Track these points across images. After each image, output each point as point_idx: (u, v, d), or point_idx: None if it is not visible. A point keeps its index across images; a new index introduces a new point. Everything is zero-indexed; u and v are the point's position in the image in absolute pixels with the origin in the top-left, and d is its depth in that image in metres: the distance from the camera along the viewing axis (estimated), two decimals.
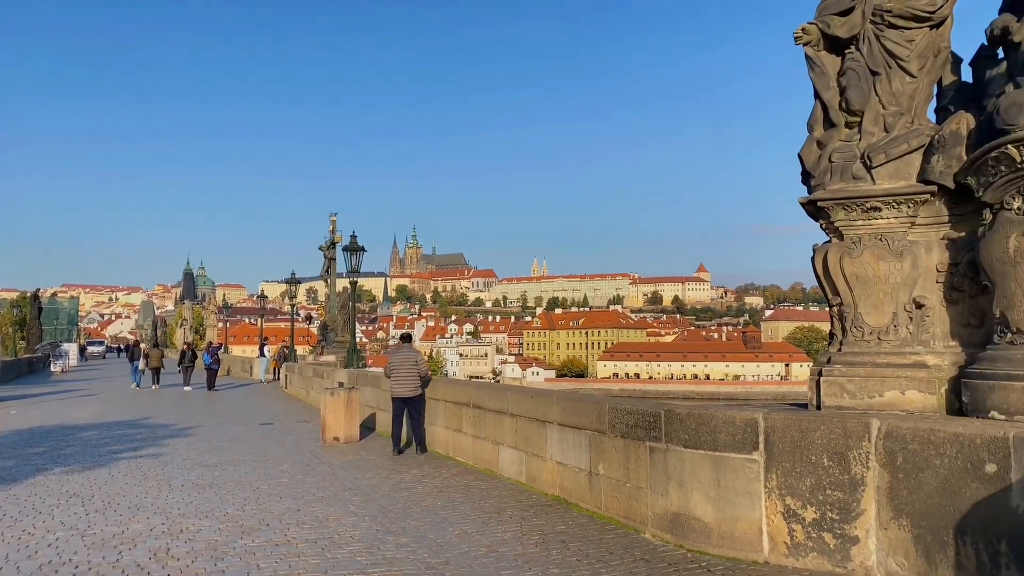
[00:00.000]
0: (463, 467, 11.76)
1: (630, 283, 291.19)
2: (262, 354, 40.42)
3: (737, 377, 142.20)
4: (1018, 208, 6.02)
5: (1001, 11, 6.85)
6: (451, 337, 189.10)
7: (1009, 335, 6.08)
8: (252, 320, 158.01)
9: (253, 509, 8.89)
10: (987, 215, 6.38)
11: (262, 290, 79.26)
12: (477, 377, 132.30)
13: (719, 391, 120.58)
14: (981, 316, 6.62)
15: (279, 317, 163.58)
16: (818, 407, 7.11)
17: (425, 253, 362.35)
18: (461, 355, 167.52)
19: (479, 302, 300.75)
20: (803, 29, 7.49)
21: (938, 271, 6.91)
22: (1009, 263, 6.02)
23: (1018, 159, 5.99)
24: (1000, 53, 6.76)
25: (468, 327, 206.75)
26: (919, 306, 6.93)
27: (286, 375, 31.40)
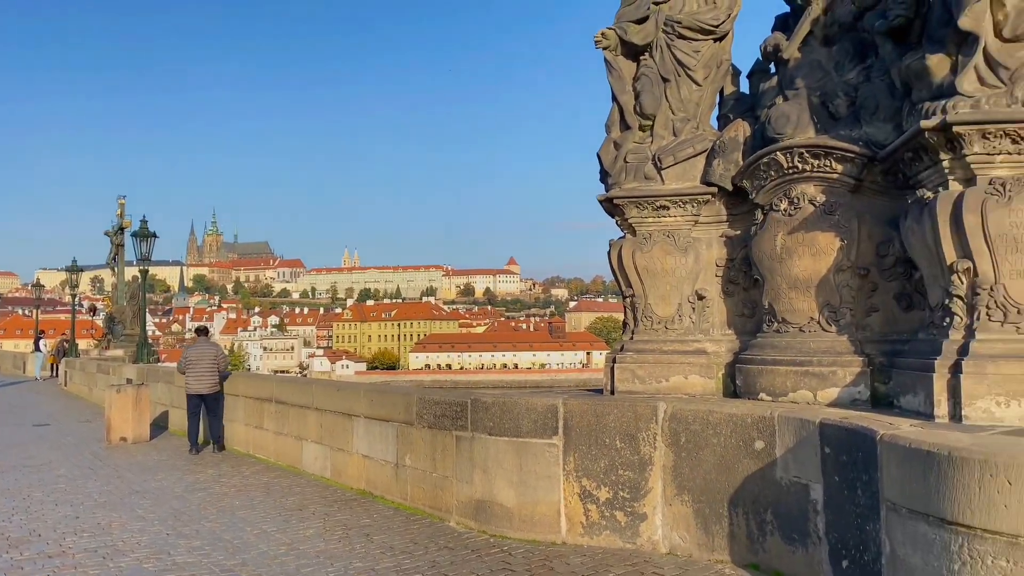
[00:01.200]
0: (264, 464, 11.31)
1: (443, 275, 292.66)
2: (38, 349, 36.61)
3: (543, 366, 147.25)
4: (785, 209, 6.68)
5: (773, 30, 7.58)
6: (254, 330, 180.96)
7: (776, 324, 6.74)
8: (27, 312, 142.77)
9: (22, 519, 8.04)
10: (759, 215, 7.02)
11: (38, 279, 71.75)
12: (282, 371, 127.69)
13: (527, 379, 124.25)
14: (753, 307, 7.28)
15: (59, 309, 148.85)
16: (612, 392, 7.51)
17: (226, 241, 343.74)
18: (265, 349, 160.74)
19: (285, 293, 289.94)
20: (603, 34, 7.85)
21: (717, 266, 7.52)
22: (776, 259, 6.67)
23: (785, 165, 6.65)
24: (772, 68, 7.46)
25: (273, 319, 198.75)
26: (701, 297, 7.51)
27: (66, 372, 28.66)
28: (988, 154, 5.08)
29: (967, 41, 5.25)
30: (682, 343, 7.46)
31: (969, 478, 3.79)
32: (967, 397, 4.87)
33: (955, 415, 4.94)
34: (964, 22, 5.15)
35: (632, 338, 7.68)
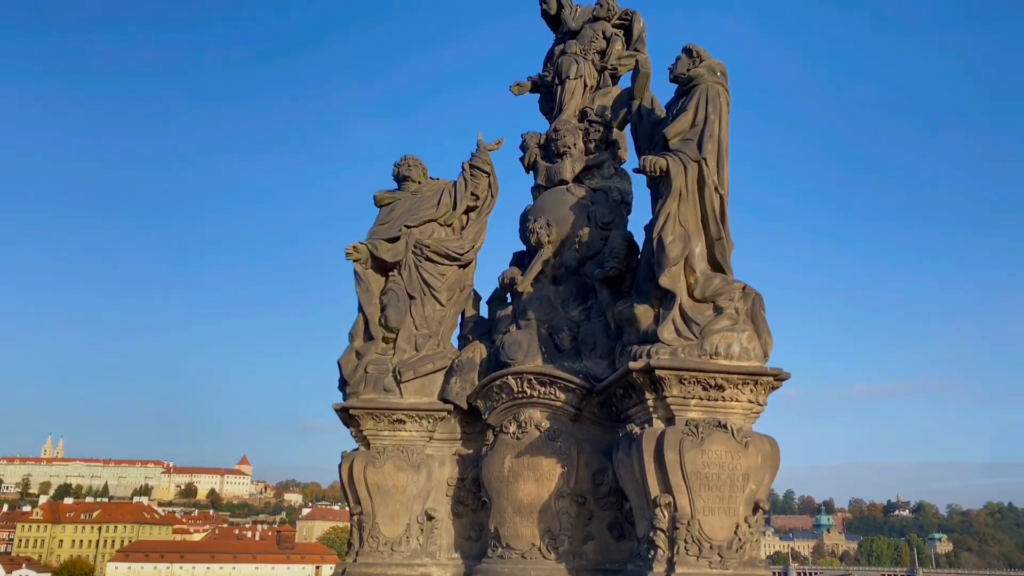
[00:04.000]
0: None
1: (163, 472, 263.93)
2: None
3: None
4: (514, 432, 6.93)
5: (511, 264, 8.27)
6: None
7: (500, 549, 6.74)
8: None
9: None
10: (490, 436, 7.22)
11: None
12: None
13: None
14: (480, 530, 7.26)
15: None
16: None
17: None
18: None
19: None
20: (354, 247, 8.09)
21: (448, 484, 7.51)
22: (504, 482, 6.81)
23: (516, 389, 6.99)
24: (509, 298, 8.04)
25: None
26: (430, 518, 7.38)
27: None
28: (684, 397, 5.71)
29: (667, 297, 6.05)
30: (408, 567, 7.18)
31: None
32: None
33: None
34: (663, 281, 5.96)
35: (356, 560, 7.28)
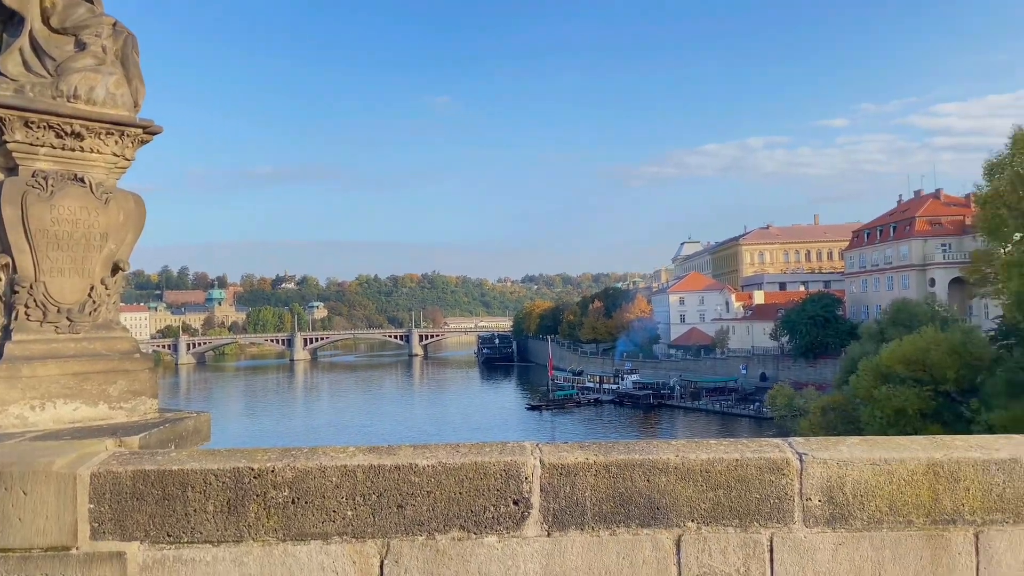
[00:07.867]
0: None
1: None
2: None
3: None
4: None
5: None
6: None
7: None
8: None
9: None
10: None
11: None
12: None
13: None
14: None
15: None
16: None
17: None
18: None
19: None
20: None
21: None
22: None
23: None
24: None
25: None
26: None
27: None
28: (32, 144, 4.81)
29: (13, 20, 4.89)
30: None
31: None
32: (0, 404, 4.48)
33: None
34: (10, 0, 4.78)
35: None
